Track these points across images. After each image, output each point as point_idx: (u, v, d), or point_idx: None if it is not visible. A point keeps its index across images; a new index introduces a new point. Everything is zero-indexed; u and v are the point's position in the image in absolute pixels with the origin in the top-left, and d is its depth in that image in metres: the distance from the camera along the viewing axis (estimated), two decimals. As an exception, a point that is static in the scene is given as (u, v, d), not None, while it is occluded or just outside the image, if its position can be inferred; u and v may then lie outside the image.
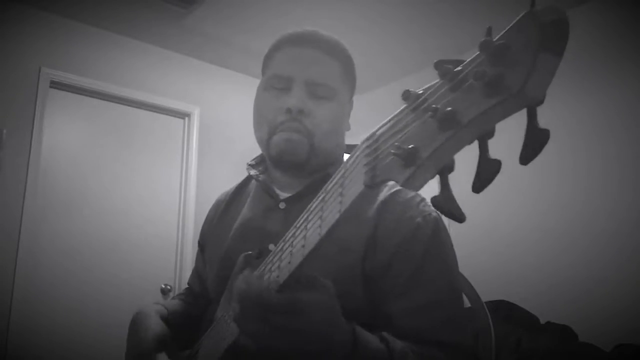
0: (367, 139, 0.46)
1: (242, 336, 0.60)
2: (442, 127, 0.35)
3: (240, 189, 1.01)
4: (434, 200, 0.38)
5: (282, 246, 0.58)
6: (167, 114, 3.23)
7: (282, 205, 0.86)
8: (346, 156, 0.92)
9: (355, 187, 0.45)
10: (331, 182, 0.51)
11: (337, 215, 0.47)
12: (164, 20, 2.92)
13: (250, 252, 0.77)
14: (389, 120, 0.44)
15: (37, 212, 2.63)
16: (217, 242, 0.94)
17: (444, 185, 0.38)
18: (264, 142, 0.86)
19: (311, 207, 0.54)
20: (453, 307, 0.75)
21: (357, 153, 0.48)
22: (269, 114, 0.83)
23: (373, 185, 0.43)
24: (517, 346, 2.28)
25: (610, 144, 2.56)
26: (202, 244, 1.03)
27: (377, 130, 0.45)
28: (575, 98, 2.68)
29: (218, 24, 2.96)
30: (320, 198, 0.53)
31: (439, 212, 0.79)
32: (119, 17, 2.88)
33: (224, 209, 0.99)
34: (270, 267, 0.59)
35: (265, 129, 0.84)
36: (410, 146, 0.38)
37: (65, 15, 2.84)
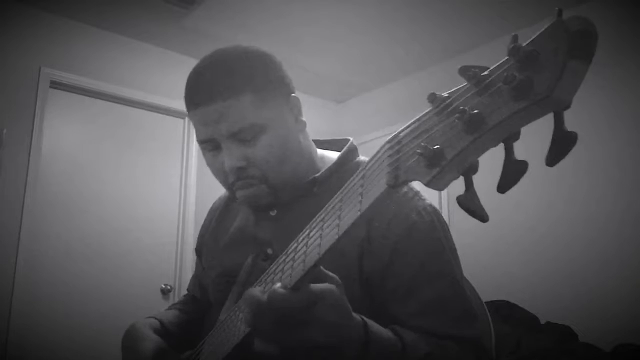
0: (390, 140, 0.46)
1: (257, 340, 0.58)
2: (468, 129, 0.36)
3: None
4: (459, 199, 0.39)
5: (295, 247, 0.58)
6: (167, 114, 3.23)
7: (273, 212, 0.86)
8: (320, 151, 0.92)
9: (377, 187, 0.46)
10: (350, 183, 0.51)
11: (357, 214, 0.47)
12: (164, 20, 2.92)
13: (257, 254, 0.77)
14: (413, 123, 0.44)
15: (37, 212, 2.63)
16: (215, 248, 0.94)
17: (468, 185, 0.39)
18: (234, 199, 0.85)
19: (328, 207, 0.54)
20: (459, 301, 0.74)
21: (380, 154, 0.48)
22: (219, 177, 0.82)
23: (396, 185, 0.44)
24: (517, 346, 2.28)
25: (610, 144, 2.56)
26: (200, 250, 1.03)
27: (400, 132, 0.45)
28: (574, 98, 2.68)
29: (218, 24, 2.96)
30: (338, 199, 0.53)
31: (432, 204, 0.80)
32: (119, 17, 2.89)
33: (219, 216, 0.99)
34: (283, 267, 0.59)
35: (227, 188, 0.84)
36: (435, 147, 0.38)
37: (65, 15, 2.84)
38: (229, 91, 0.74)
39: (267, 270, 0.63)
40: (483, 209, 0.38)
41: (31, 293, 2.55)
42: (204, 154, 0.83)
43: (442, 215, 0.83)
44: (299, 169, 0.83)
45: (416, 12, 2.83)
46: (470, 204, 0.38)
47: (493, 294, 2.57)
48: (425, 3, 2.74)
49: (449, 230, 0.80)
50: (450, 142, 0.38)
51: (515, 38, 0.35)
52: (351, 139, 0.93)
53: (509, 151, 0.37)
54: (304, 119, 0.85)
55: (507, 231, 2.90)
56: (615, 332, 2.27)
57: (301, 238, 0.57)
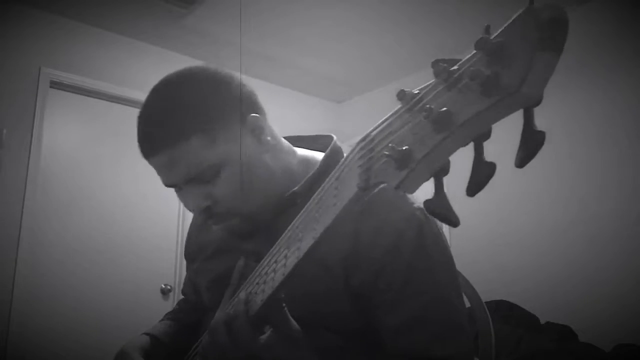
0: (362, 139, 0.45)
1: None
2: (436, 128, 0.34)
3: None
4: (427, 204, 0.37)
5: (280, 242, 0.58)
6: (167, 114, 3.23)
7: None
8: (302, 152, 0.86)
9: (348, 189, 0.45)
10: (327, 183, 0.51)
11: (332, 218, 0.47)
12: (164, 20, 2.92)
13: (249, 256, 0.77)
14: (384, 121, 0.43)
15: (37, 212, 2.63)
16: (202, 255, 0.92)
17: (438, 188, 0.37)
18: None
19: (307, 209, 0.54)
20: (444, 319, 0.71)
21: (352, 155, 0.47)
22: (192, 212, 0.80)
23: (367, 187, 0.42)
24: (517, 346, 2.28)
25: (610, 144, 2.56)
26: (188, 256, 1.01)
27: (371, 131, 0.44)
28: (574, 98, 2.68)
29: (218, 24, 2.96)
30: (315, 201, 0.52)
31: (422, 208, 0.74)
32: (119, 17, 2.89)
33: (203, 223, 0.96)
34: (267, 271, 0.60)
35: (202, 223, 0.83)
36: (404, 147, 0.37)
37: (65, 15, 2.84)
38: (174, 138, 0.70)
39: (253, 273, 0.64)
40: (454, 213, 0.36)
41: (31, 293, 2.55)
42: (175, 192, 0.81)
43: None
44: (272, 190, 0.78)
45: (416, 12, 2.83)
46: (439, 208, 0.36)
47: (493, 294, 2.57)
48: (425, 3, 2.74)
49: (440, 233, 0.75)
50: (419, 143, 0.36)
51: (487, 29, 0.33)
52: (334, 137, 0.87)
53: (478, 151, 0.35)
54: (268, 138, 0.77)
55: (507, 231, 2.90)
56: (615, 332, 2.27)
57: (284, 237, 0.58)
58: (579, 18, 2.57)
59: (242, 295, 0.65)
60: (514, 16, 0.31)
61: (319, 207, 0.51)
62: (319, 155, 0.85)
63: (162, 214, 3.07)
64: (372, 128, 0.44)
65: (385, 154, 0.39)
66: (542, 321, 2.45)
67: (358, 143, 0.45)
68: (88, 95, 2.93)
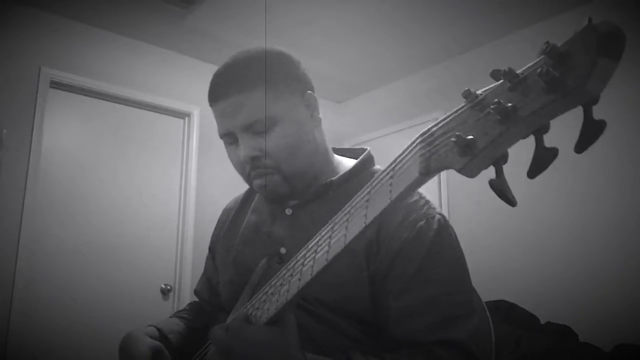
0: (423, 134, 0.48)
1: None
2: (502, 119, 0.38)
3: (248, 196, 1.02)
4: (492, 182, 0.41)
5: (324, 233, 0.60)
6: (167, 114, 3.23)
7: (288, 212, 0.87)
8: (337, 157, 0.93)
9: (409, 175, 0.48)
10: (377, 178, 0.53)
11: (387, 202, 0.50)
12: (164, 20, 2.92)
13: (272, 256, 0.78)
14: (446, 117, 0.46)
15: (37, 212, 2.63)
16: (228, 248, 0.95)
17: (499, 172, 0.41)
18: (253, 191, 0.89)
19: (356, 199, 0.56)
20: (451, 306, 0.74)
21: (411, 148, 0.50)
22: (238, 168, 0.86)
23: (428, 172, 0.46)
24: (517, 346, 2.28)
25: (611, 145, 2.56)
26: (213, 250, 1.04)
27: (432, 127, 0.47)
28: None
29: (218, 24, 2.96)
30: (365, 192, 0.55)
31: (443, 215, 0.81)
32: (119, 17, 2.89)
33: (234, 216, 1.00)
34: (301, 264, 0.62)
35: (245, 179, 0.87)
36: (469, 137, 0.40)
37: (65, 15, 2.84)
38: (244, 85, 0.79)
39: (279, 273, 0.66)
40: (511, 193, 0.41)
41: (31, 293, 2.55)
42: (226, 148, 0.87)
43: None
44: (314, 162, 0.85)
45: (416, 12, 2.83)
46: (501, 187, 0.40)
47: (493, 294, 2.57)
48: (426, 3, 2.74)
49: (457, 239, 0.81)
50: (483, 132, 0.40)
51: (548, 44, 0.37)
52: (368, 148, 0.95)
53: (539, 141, 0.39)
54: (320, 116, 0.88)
55: (507, 231, 2.90)
56: (615, 332, 2.27)
57: (327, 228, 0.60)
58: (579, 18, 2.57)
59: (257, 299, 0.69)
60: (577, 31, 0.36)
61: (370, 197, 0.53)
62: (350, 162, 0.92)
63: (162, 214, 3.07)
64: (432, 125, 0.48)
65: (452, 140, 0.42)
66: (542, 321, 2.45)
67: (418, 137, 0.49)
68: (88, 95, 2.93)
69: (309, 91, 0.87)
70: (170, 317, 1.02)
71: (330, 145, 0.93)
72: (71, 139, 2.87)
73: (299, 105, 0.84)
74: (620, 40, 0.34)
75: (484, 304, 1.01)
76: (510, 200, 0.41)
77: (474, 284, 1.05)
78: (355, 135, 3.95)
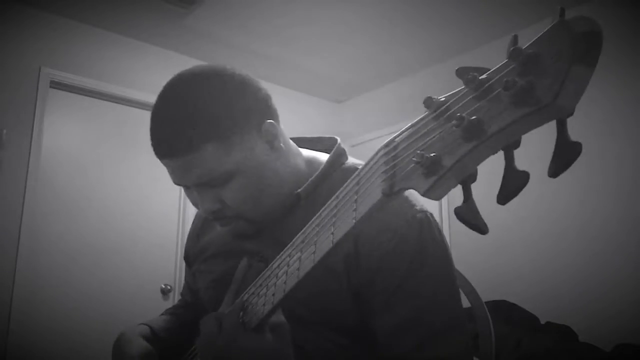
0: (385, 145, 0.45)
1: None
2: (467, 136, 0.35)
3: None
4: (457, 210, 0.37)
5: (289, 252, 0.58)
6: (167, 114, 3.23)
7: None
8: (307, 153, 0.87)
9: (372, 196, 0.45)
10: (344, 189, 0.50)
11: (352, 224, 0.47)
12: (164, 20, 2.92)
13: (252, 255, 0.77)
14: (409, 128, 0.42)
15: (37, 212, 2.63)
16: (203, 256, 0.93)
17: (467, 195, 0.38)
18: None
19: (322, 214, 0.53)
20: (438, 321, 0.71)
21: (374, 161, 0.46)
22: (200, 211, 0.81)
23: (392, 193, 0.42)
24: (517, 346, 2.28)
25: (610, 144, 2.56)
26: (187, 259, 1.02)
27: (395, 137, 0.44)
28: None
29: (218, 24, 2.96)
30: (331, 206, 0.52)
31: (424, 210, 0.75)
32: (119, 17, 2.89)
33: (203, 224, 0.98)
34: (277, 273, 0.60)
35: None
36: (432, 154, 0.37)
37: (65, 15, 2.84)
38: (189, 146, 0.69)
39: (262, 274, 0.64)
40: (483, 221, 0.37)
41: (31, 293, 2.55)
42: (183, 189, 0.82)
43: (436, 217, 0.79)
44: (281, 195, 0.79)
45: (416, 12, 2.83)
46: (469, 216, 0.37)
47: (493, 294, 2.57)
48: (425, 3, 2.74)
49: (441, 235, 0.76)
50: (448, 150, 0.36)
51: (515, 39, 0.33)
52: (338, 139, 0.89)
53: (509, 160, 0.35)
54: (281, 144, 0.78)
55: (507, 231, 2.90)
56: (615, 332, 2.27)
57: (295, 243, 0.58)
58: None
59: (242, 299, 0.67)
60: (547, 28, 0.31)
61: (337, 212, 0.50)
62: (323, 156, 0.86)
63: (162, 214, 3.07)
64: (395, 135, 0.44)
65: (413, 160, 0.39)
66: (542, 321, 2.45)
67: (381, 149, 0.45)
68: (88, 95, 2.93)
69: (268, 120, 0.76)
70: (162, 314, 1.02)
71: (292, 144, 0.85)
72: (71, 139, 2.87)
73: (256, 145, 0.74)
74: (597, 42, 0.30)
75: (484, 304, 1.01)
76: (481, 229, 0.37)
77: (474, 284, 1.05)
78: (355, 135, 3.95)
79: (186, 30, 3.03)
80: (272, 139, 0.76)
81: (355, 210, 0.47)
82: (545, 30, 0.32)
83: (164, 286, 3.01)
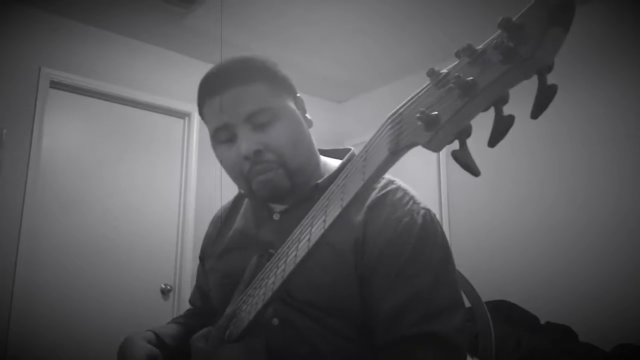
0: (392, 114, 0.50)
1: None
2: (462, 93, 0.40)
3: (237, 202, 1.03)
4: (454, 153, 0.42)
5: (305, 222, 0.61)
6: (167, 114, 3.23)
7: (276, 217, 0.87)
8: (322, 158, 0.93)
9: (379, 155, 0.50)
10: (356, 158, 0.55)
11: (361, 183, 0.51)
12: (164, 20, 2.92)
13: (262, 254, 0.78)
14: (413, 97, 0.48)
15: (37, 212, 2.63)
16: (217, 253, 0.95)
17: (462, 144, 0.43)
18: (248, 192, 0.85)
19: (331, 189, 0.57)
20: (435, 299, 0.74)
21: (382, 129, 0.51)
22: (235, 167, 0.82)
23: (397, 150, 0.47)
24: (517, 346, 2.28)
25: (611, 144, 2.56)
26: (203, 258, 1.04)
27: (400, 108, 0.49)
28: (575, 97, 2.68)
29: (218, 24, 2.96)
30: (341, 178, 0.56)
31: (428, 209, 0.81)
32: (119, 17, 2.89)
33: (223, 223, 1.00)
34: (286, 257, 0.62)
35: (241, 182, 0.84)
36: (433, 113, 0.42)
37: (65, 15, 2.84)
38: (245, 77, 0.80)
39: (268, 265, 0.67)
40: (474, 163, 0.42)
41: (31, 293, 2.55)
42: (216, 148, 0.85)
43: (437, 217, 0.83)
44: (311, 159, 0.86)
45: (416, 12, 2.83)
46: (463, 158, 0.42)
47: (493, 294, 2.57)
48: (425, 3, 2.74)
49: (443, 233, 0.81)
50: (446, 107, 0.42)
51: (503, 18, 0.39)
52: (352, 148, 0.94)
53: (499, 111, 0.40)
54: (310, 118, 0.90)
55: (507, 231, 2.90)
56: (615, 332, 2.27)
57: (309, 216, 0.61)
58: (580, 18, 2.57)
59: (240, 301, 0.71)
60: (529, 4, 0.37)
61: (346, 182, 0.54)
62: (336, 162, 0.92)
63: (162, 214, 3.07)
64: (400, 105, 0.49)
65: (416, 116, 0.43)
66: (542, 321, 2.46)
67: (388, 118, 0.51)
68: (88, 95, 2.93)
69: (298, 94, 0.89)
70: (168, 323, 1.03)
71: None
72: (71, 139, 2.87)
73: (293, 102, 0.86)
74: (569, 10, 0.36)
75: (484, 304, 1.01)
76: (473, 171, 0.42)
77: (474, 284, 1.05)
78: (355, 135, 3.95)
79: (186, 30, 3.03)
80: (303, 111, 0.88)
81: (364, 172, 0.51)
82: (528, 6, 0.38)
83: (164, 286, 3.01)
